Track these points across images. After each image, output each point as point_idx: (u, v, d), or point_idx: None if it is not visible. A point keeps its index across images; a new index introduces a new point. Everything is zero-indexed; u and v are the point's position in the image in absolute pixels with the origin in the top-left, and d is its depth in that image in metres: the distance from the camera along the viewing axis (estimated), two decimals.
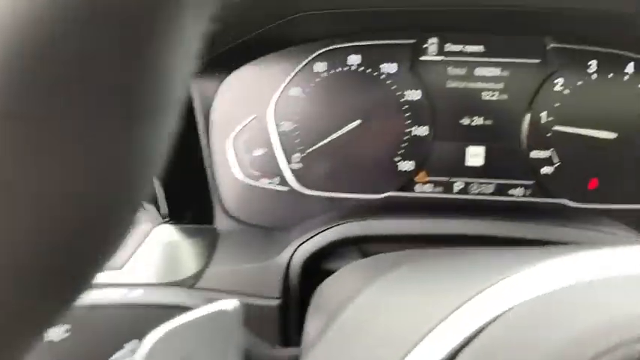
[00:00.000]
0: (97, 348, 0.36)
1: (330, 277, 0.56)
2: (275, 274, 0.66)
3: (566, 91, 0.69)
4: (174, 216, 0.67)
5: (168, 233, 0.64)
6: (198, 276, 0.63)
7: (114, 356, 0.36)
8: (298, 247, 0.67)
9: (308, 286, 0.62)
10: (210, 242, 0.68)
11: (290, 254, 0.66)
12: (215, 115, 0.71)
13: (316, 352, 0.40)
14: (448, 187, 0.72)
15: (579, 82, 0.69)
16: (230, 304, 0.34)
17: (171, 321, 0.32)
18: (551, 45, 0.69)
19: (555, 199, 0.71)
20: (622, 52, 0.68)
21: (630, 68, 0.69)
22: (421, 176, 0.72)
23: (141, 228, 0.64)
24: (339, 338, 0.42)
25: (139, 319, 0.36)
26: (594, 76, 0.69)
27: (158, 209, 0.64)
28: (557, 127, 0.70)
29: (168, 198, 0.67)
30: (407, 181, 0.72)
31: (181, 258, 0.64)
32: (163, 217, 0.65)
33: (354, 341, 0.40)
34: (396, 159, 0.72)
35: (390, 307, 0.41)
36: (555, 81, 0.69)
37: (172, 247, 0.64)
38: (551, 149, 0.71)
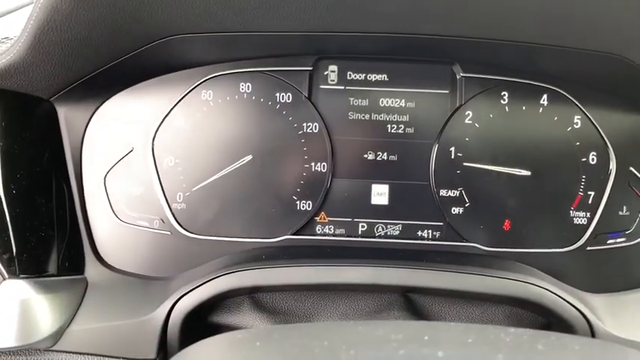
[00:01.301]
0: None
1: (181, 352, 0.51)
2: (152, 330, 0.59)
3: (477, 124, 0.66)
4: (32, 268, 0.59)
5: (22, 289, 0.56)
6: (57, 336, 0.56)
7: None
8: (179, 299, 0.60)
9: (190, 342, 0.57)
10: (76, 295, 0.61)
11: (169, 307, 0.59)
12: (87, 149, 0.65)
13: None
14: (351, 229, 0.67)
15: (491, 115, 0.66)
16: None
17: None
18: (461, 74, 0.66)
19: (466, 243, 0.67)
20: (536, 83, 0.66)
21: (545, 99, 0.66)
22: (322, 217, 0.67)
23: None
24: None
25: None
26: (507, 108, 0.65)
27: (10, 261, 0.57)
28: (467, 164, 0.67)
29: (23, 245, 0.58)
30: (306, 223, 0.68)
31: (37, 316, 0.55)
32: (17, 272, 0.57)
33: None
34: (294, 198, 0.67)
35: None
36: (465, 113, 0.66)
37: (27, 304, 0.55)
38: (461, 188, 0.67)
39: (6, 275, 0.55)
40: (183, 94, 0.65)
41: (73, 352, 0.56)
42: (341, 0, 0.55)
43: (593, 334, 0.58)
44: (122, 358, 0.56)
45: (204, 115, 0.65)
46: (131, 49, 0.57)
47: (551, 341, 0.44)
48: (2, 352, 0.53)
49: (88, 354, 0.56)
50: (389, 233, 0.67)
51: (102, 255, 0.66)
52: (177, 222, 0.65)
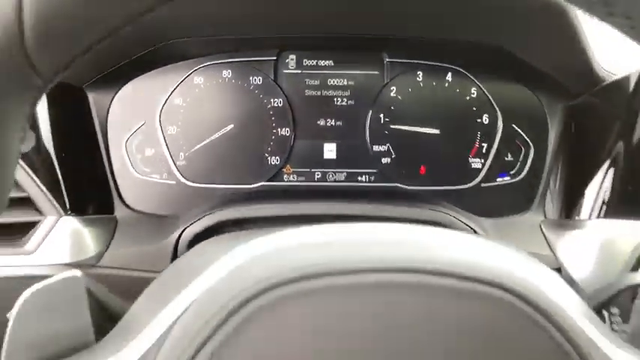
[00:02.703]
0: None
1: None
2: (165, 252, 0.76)
3: (400, 97, 0.84)
4: (78, 209, 0.76)
5: (73, 223, 0.74)
6: (99, 257, 0.74)
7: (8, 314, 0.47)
8: (184, 230, 0.77)
9: None
10: (110, 229, 0.79)
11: (177, 236, 0.77)
12: (110, 122, 0.82)
13: (141, 297, 0.49)
14: (309, 177, 0.86)
15: (409, 89, 0.84)
16: (74, 273, 0.45)
17: (36, 286, 0.43)
18: (387, 60, 0.83)
19: (393, 184, 0.85)
20: (443, 64, 0.83)
21: (449, 77, 0.84)
22: (287, 169, 0.85)
23: (48, 220, 0.75)
24: (155, 283, 0.51)
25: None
26: (421, 84, 0.83)
27: (63, 204, 0.76)
28: (392, 126, 0.85)
29: (72, 193, 0.76)
30: (275, 173, 0.85)
31: (84, 243, 0.74)
32: (67, 211, 0.75)
33: (161, 284, 0.50)
34: (266, 155, 0.84)
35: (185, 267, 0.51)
36: (391, 88, 0.84)
37: (77, 234, 0.74)
38: (388, 144, 0.85)
39: (62, 214, 0.73)
40: (181, 80, 0.81)
41: (110, 267, 0.73)
42: (297, 15, 0.75)
43: None
44: (145, 270, 0.73)
45: (197, 96, 0.82)
46: (145, 49, 0.76)
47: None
48: (61, 266, 0.71)
49: (120, 268, 0.74)
50: (337, 179, 0.85)
51: (125, 200, 0.83)
52: (180, 174, 0.82)
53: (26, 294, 0.38)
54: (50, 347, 0.39)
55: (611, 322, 0.53)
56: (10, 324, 0.38)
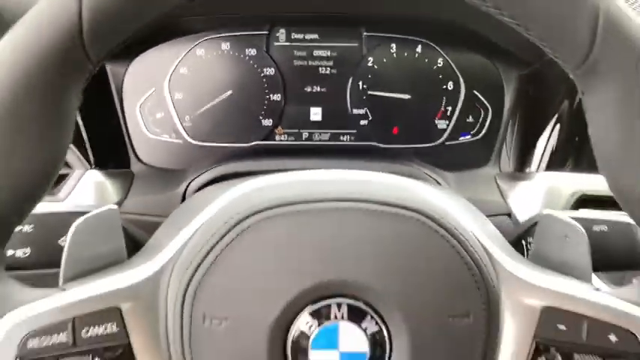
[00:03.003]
0: (47, 235, 0.60)
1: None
2: (175, 201, 0.84)
3: (376, 66, 0.93)
4: (101, 164, 0.86)
5: (96, 176, 0.84)
6: (119, 204, 0.83)
7: (60, 241, 0.60)
8: (191, 182, 0.85)
9: None
10: (127, 181, 0.88)
11: (185, 187, 0.84)
12: (125, 90, 0.90)
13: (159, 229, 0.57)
14: (298, 136, 0.94)
15: (384, 60, 0.92)
16: (112, 207, 0.57)
17: (84, 216, 0.54)
18: (365, 34, 0.92)
19: (370, 143, 0.94)
20: (413, 38, 0.92)
21: (419, 49, 0.92)
22: (279, 130, 0.94)
23: (77, 173, 0.87)
24: (173, 216, 0.60)
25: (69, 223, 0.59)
26: (395, 55, 0.92)
27: (88, 160, 0.85)
28: (370, 92, 0.93)
29: (95, 151, 0.86)
30: (268, 133, 0.93)
31: (107, 192, 0.84)
32: (92, 165, 0.85)
33: (178, 215, 0.57)
34: (260, 117, 0.93)
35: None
36: (368, 59, 0.92)
37: (100, 185, 0.84)
38: (366, 108, 0.94)
39: (88, 167, 0.83)
40: (185, 53, 0.90)
41: (129, 213, 0.82)
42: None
43: None
44: (158, 215, 0.81)
45: (200, 66, 0.90)
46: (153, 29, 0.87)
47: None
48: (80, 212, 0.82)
49: (137, 213, 0.83)
50: (322, 139, 0.95)
51: (140, 156, 0.92)
52: (187, 134, 0.91)
53: (77, 222, 0.50)
54: (95, 263, 0.50)
55: (527, 250, 0.66)
56: (65, 246, 0.50)
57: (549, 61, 0.86)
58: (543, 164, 0.90)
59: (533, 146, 0.91)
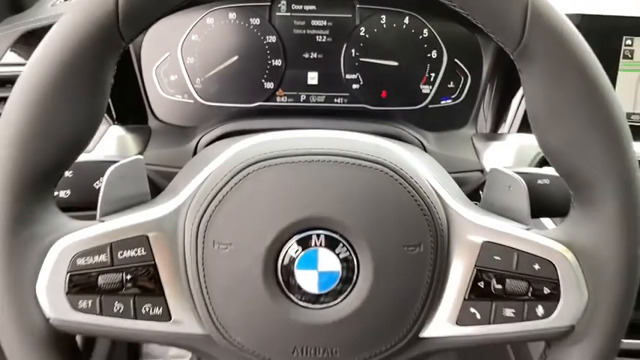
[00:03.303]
0: (83, 179, 0.71)
1: None
2: (188, 154, 0.90)
3: (367, 36, 1.00)
4: (122, 120, 0.94)
5: (118, 131, 0.92)
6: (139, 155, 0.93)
7: (96, 184, 0.71)
8: (201, 137, 0.91)
9: None
10: (145, 136, 0.94)
11: (196, 142, 0.91)
12: (143, 54, 0.98)
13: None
14: (296, 98, 1.02)
15: (375, 30, 0.99)
16: (138, 157, 0.61)
17: (116, 164, 0.58)
18: (358, 6, 0.99)
19: (361, 105, 1.02)
20: (402, 10, 0.99)
21: (407, 20, 1.00)
22: (280, 92, 1.02)
23: (101, 128, 0.96)
24: (188, 165, 0.67)
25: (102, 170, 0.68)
26: (384, 25, 0.99)
27: (111, 117, 0.93)
28: (362, 59, 1.01)
29: (117, 108, 0.94)
30: (270, 95, 0.99)
31: (127, 146, 0.92)
32: (114, 121, 0.93)
33: (192, 164, 0.65)
34: (262, 81, 1.01)
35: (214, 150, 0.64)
36: (360, 28, 1.00)
37: (122, 138, 0.92)
38: (358, 73, 0.99)
39: (111, 123, 0.92)
40: (196, 21, 0.96)
41: (148, 164, 0.83)
42: None
43: (424, 149, 0.92)
44: (172, 166, 0.86)
45: (209, 33, 0.97)
46: None
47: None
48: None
49: (155, 164, 0.89)
50: (318, 100, 1.02)
51: (156, 114, 1.00)
52: (197, 95, 0.98)
53: (111, 169, 0.55)
54: (125, 202, 0.57)
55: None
56: (101, 188, 0.55)
57: None
58: (515, 126, 0.99)
59: (507, 110, 1.00)
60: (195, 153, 0.91)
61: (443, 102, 1.02)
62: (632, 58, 0.87)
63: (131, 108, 1.00)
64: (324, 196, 0.53)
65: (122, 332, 0.54)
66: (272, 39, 0.99)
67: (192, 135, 0.94)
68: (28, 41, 0.94)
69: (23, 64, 0.82)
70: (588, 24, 0.89)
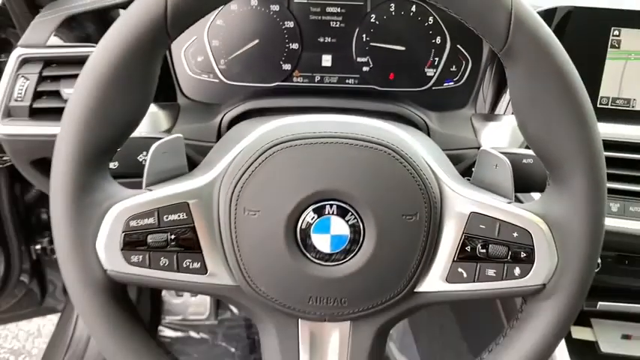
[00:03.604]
0: (128, 153, 0.75)
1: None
2: (213, 129, 0.95)
3: (377, 22, 1.06)
4: (154, 98, 1.06)
5: (151, 107, 1.00)
6: (169, 131, 0.94)
7: (140, 157, 0.81)
8: (225, 114, 0.96)
9: None
10: (175, 112, 0.99)
11: (221, 118, 0.95)
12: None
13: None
14: (311, 79, 1.05)
15: (385, 17, 1.05)
16: (178, 135, 0.67)
17: (159, 141, 0.64)
18: None
19: (370, 86, 1.05)
20: (409, 0, 1.05)
21: (414, 8, 1.06)
22: (296, 73, 1.05)
23: None
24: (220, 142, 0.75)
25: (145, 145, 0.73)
26: (393, 12, 1.05)
27: None
28: (372, 43, 1.03)
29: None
30: (287, 76, 1.04)
31: (159, 121, 0.98)
32: None
33: (225, 141, 0.72)
34: (280, 62, 1.04)
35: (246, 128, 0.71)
36: (371, 15, 1.05)
37: (153, 114, 0.97)
38: (368, 57, 1.04)
39: None
40: (221, 8, 1.00)
41: None
42: None
43: (428, 130, 0.96)
44: (199, 140, 0.92)
45: (232, 18, 1.02)
46: None
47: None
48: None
49: (184, 139, 0.95)
50: (331, 81, 1.07)
51: (185, 92, 1.05)
52: (222, 75, 1.03)
53: (155, 145, 0.63)
54: (166, 174, 0.64)
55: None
56: (147, 161, 0.62)
57: None
58: (511, 108, 1.04)
59: (504, 93, 1.08)
60: (219, 128, 0.96)
61: (445, 84, 1.07)
62: (619, 47, 0.94)
63: (162, 87, 1.06)
64: (336, 172, 0.60)
65: (166, 283, 0.62)
66: (290, 24, 1.03)
67: (217, 111, 0.98)
68: (70, 25, 1.03)
69: (66, 46, 0.93)
70: (579, 16, 0.97)
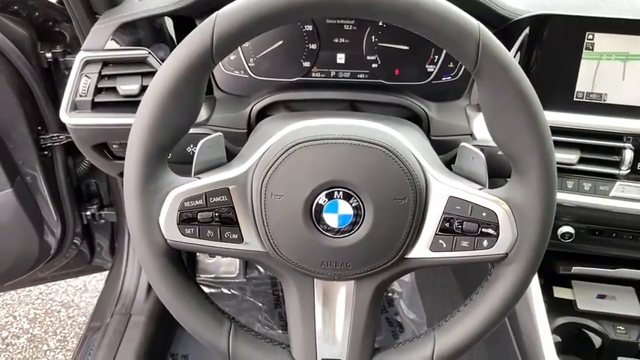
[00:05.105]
0: (180, 147, 0.79)
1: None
2: (244, 118, 1.04)
3: (385, 25, 1.09)
4: None
5: None
6: (208, 119, 1.04)
7: (188, 149, 0.86)
8: (254, 105, 1.04)
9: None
10: (212, 103, 1.07)
11: (250, 108, 1.03)
12: None
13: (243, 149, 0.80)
14: (327, 74, 1.13)
15: None
16: (219, 134, 0.76)
17: (205, 138, 0.74)
18: None
19: (378, 80, 1.12)
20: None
21: None
22: (314, 69, 1.13)
23: None
24: (252, 138, 0.85)
25: (192, 139, 0.83)
26: None
27: None
28: (380, 44, 1.11)
29: None
30: (307, 72, 1.12)
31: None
32: None
33: (255, 138, 0.83)
34: (301, 60, 1.11)
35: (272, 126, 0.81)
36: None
37: None
38: (376, 55, 1.11)
39: None
40: None
41: (214, 125, 1.02)
42: None
43: (428, 118, 1.04)
44: (233, 127, 1.02)
45: None
46: None
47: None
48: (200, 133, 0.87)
49: (219, 126, 1.02)
50: (344, 76, 1.12)
51: (220, 86, 1.11)
52: (251, 71, 1.12)
53: (202, 140, 0.74)
54: (210, 164, 0.76)
55: None
56: (195, 154, 0.73)
57: (515, 22, 1.15)
58: None
59: None
60: (249, 117, 1.05)
61: (444, 79, 1.15)
62: (592, 49, 1.04)
63: None
64: (343, 166, 0.70)
65: (212, 249, 0.74)
66: (309, 27, 1.11)
67: (247, 103, 1.06)
68: (125, 31, 1.15)
69: (121, 49, 1.09)
70: (559, 22, 1.01)
